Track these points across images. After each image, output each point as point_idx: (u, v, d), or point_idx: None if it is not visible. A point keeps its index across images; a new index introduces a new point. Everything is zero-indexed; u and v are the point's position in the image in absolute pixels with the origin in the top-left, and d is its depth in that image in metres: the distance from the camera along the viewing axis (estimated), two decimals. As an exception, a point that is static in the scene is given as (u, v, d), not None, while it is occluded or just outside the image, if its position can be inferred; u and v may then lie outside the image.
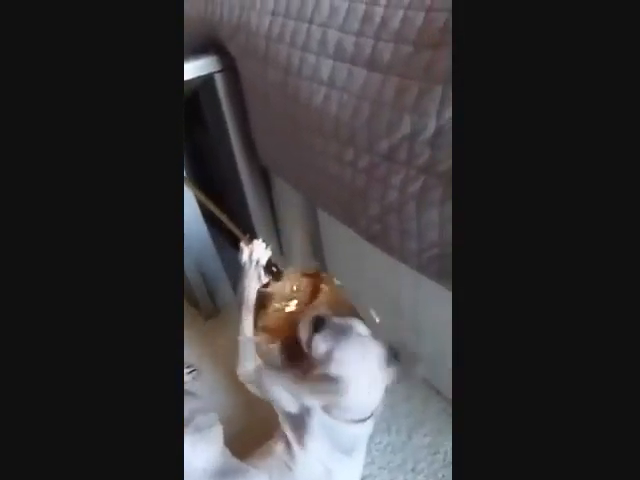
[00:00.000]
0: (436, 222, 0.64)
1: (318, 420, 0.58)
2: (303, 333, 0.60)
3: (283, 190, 1.16)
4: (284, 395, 0.60)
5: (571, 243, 0.34)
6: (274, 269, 0.78)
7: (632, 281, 0.33)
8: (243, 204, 1.17)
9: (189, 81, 0.96)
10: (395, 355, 0.58)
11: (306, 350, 0.59)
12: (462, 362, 0.38)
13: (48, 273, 0.36)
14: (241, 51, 0.85)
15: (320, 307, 0.68)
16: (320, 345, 0.56)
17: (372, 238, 0.79)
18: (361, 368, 0.56)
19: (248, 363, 0.67)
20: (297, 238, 1.25)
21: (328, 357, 0.55)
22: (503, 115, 0.36)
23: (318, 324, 0.57)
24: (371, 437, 0.91)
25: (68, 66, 0.37)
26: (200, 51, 0.96)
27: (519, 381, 0.36)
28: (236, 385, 0.77)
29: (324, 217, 1.05)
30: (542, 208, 0.35)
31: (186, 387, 0.97)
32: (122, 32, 0.39)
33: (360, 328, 0.59)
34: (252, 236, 0.78)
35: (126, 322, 0.38)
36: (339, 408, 0.57)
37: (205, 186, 1.14)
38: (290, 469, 0.66)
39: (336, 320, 0.59)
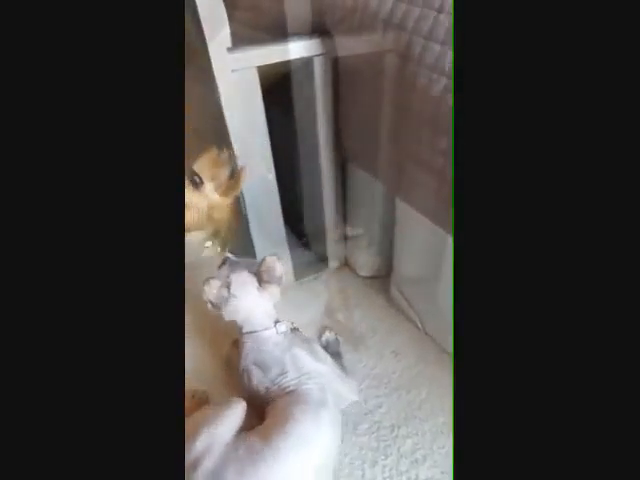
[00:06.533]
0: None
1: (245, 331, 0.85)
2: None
3: (358, 187, 1.15)
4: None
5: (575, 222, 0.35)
6: (197, 179, 0.86)
7: (631, 266, 0.33)
8: (318, 192, 1.17)
9: (286, 63, 0.96)
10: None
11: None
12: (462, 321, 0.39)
13: (50, 270, 0.35)
14: (350, 34, 0.84)
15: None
16: (222, 272, 0.88)
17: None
18: (247, 284, 0.86)
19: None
20: (368, 238, 1.24)
21: (228, 280, 0.85)
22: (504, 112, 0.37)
23: (221, 262, 0.91)
24: (434, 441, 0.88)
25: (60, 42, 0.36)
26: (302, 33, 0.96)
27: (521, 354, 0.36)
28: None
29: (401, 215, 1.03)
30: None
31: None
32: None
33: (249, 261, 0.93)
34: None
35: (128, 306, 0.37)
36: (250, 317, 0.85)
37: (282, 169, 1.14)
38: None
39: (233, 259, 0.93)
